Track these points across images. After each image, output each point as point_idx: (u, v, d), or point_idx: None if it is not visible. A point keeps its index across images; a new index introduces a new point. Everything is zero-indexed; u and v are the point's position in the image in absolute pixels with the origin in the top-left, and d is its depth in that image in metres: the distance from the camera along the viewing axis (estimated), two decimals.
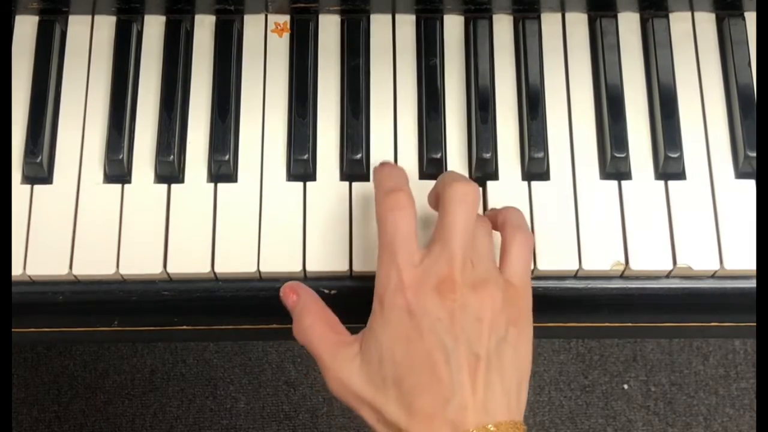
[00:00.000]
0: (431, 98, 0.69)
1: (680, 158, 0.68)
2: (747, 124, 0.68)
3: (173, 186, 0.67)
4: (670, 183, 0.68)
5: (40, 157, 0.67)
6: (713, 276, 0.67)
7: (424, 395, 0.56)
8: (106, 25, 0.72)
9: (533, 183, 0.68)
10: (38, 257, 0.65)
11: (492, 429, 0.55)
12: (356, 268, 0.65)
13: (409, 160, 0.68)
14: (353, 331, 0.64)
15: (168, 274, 0.65)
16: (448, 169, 0.68)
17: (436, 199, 0.62)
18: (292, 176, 0.68)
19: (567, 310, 0.68)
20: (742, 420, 1.36)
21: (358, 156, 0.67)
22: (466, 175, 0.68)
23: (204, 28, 0.72)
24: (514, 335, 0.58)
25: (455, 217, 0.59)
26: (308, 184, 0.68)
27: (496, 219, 0.63)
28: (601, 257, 0.66)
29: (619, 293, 0.67)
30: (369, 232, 0.66)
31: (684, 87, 0.70)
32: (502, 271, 0.60)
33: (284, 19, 0.72)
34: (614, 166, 0.68)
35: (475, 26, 0.71)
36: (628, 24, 0.72)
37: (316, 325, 0.61)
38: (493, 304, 0.58)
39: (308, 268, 0.65)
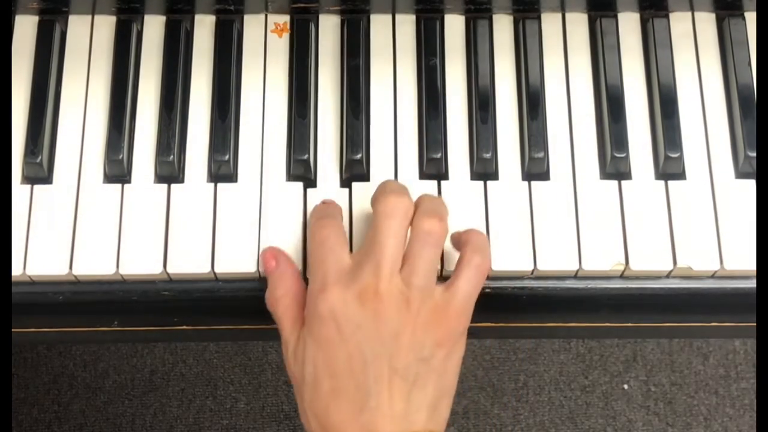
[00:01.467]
0: (431, 98, 0.69)
1: (680, 158, 0.68)
2: (747, 124, 0.68)
3: (173, 186, 0.67)
4: (670, 183, 0.68)
5: (40, 157, 0.67)
6: (713, 276, 0.67)
7: (339, 400, 0.57)
8: (106, 25, 0.72)
9: (533, 183, 0.68)
10: (38, 257, 0.65)
11: None
12: None
13: (409, 160, 0.68)
14: None
15: (168, 274, 0.65)
16: (449, 169, 0.68)
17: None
18: (292, 176, 0.68)
19: (567, 310, 0.68)
20: (742, 420, 1.36)
21: (358, 156, 0.67)
22: (467, 175, 0.68)
23: (204, 28, 0.72)
24: (441, 358, 0.58)
25: (384, 230, 0.59)
26: (308, 184, 0.68)
27: (459, 239, 0.63)
28: (601, 257, 0.66)
29: (619, 293, 0.67)
30: (368, 231, 0.66)
31: (684, 87, 0.70)
32: (447, 288, 0.60)
33: (284, 19, 0.72)
34: (614, 166, 0.68)
35: (475, 26, 0.71)
36: (628, 24, 0.72)
37: (285, 298, 0.62)
38: (415, 322, 0.58)
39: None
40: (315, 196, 0.67)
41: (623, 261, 0.66)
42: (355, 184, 0.67)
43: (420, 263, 0.59)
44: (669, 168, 0.68)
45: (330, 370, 0.57)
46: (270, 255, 0.64)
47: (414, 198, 0.63)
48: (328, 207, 0.65)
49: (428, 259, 0.60)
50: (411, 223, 0.61)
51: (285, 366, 0.61)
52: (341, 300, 0.58)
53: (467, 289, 0.60)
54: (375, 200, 0.61)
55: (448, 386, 0.59)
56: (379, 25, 0.72)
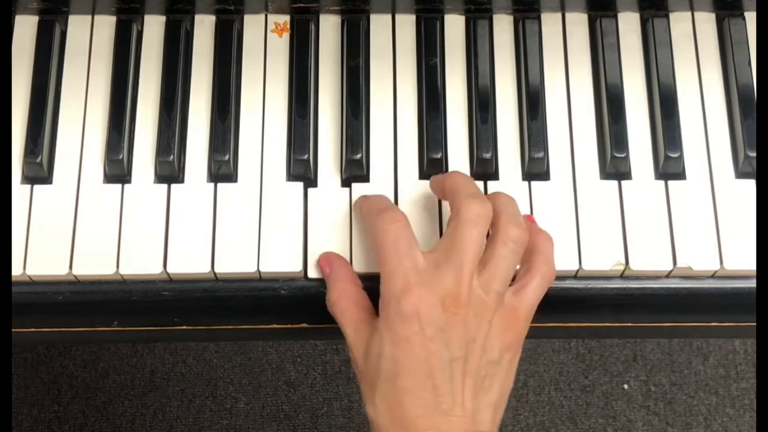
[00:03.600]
0: (431, 98, 0.69)
1: (680, 158, 0.68)
2: (747, 124, 0.68)
3: (173, 186, 0.67)
4: (670, 183, 0.68)
5: (40, 157, 0.67)
6: (713, 276, 0.67)
7: (413, 397, 0.58)
8: (106, 25, 0.72)
9: (533, 183, 0.68)
10: (38, 257, 0.65)
11: None
12: (356, 268, 0.65)
13: (409, 160, 0.68)
14: None
15: (168, 274, 0.65)
16: (449, 169, 0.68)
17: (441, 190, 0.64)
18: (292, 176, 0.68)
19: (567, 310, 0.68)
20: (742, 420, 1.36)
21: (358, 156, 0.67)
22: (468, 174, 0.68)
23: (204, 28, 0.72)
24: (507, 360, 0.61)
25: (468, 237, 0.60)
26: (308, 184, 0.68)
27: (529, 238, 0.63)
28: (601, 257, 0.66)
29: (619, 293, 0.67)
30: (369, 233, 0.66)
31: (684, 87, 0.70)
32: (516, 293, 0.61)
33: (284, 19, 0.72)
34: (614, 166, 0.68)
35: (475, 26, 0.71)
36: (628, 24, 0.72)
37: (342, 300, 0.63)
38: (490, 329, 0.60)
39: (309, 268, 0.65)
40: (315, 196, 0.67)
41: (623, 261, 0.66)
42: (355, 185, 0.67)
43: (502, 270, 0.60)
44: (669, 168, 0.68)
45: (408, 368, 0.58)
46: (324, 261, 0.65)
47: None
48: (378, 197, 0.66)
49: (510, 266, 0.61)
50: (495, 226, 0.61)
51: (353, 361, 0.62)
52: (425, 303, 0.58)
53: (535, 296, 0.62)
54: (458, 202, 0.61)
55: (509, 387, 0.62)
56: (379, 25, 0.72)
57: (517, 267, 0.63)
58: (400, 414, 0.58)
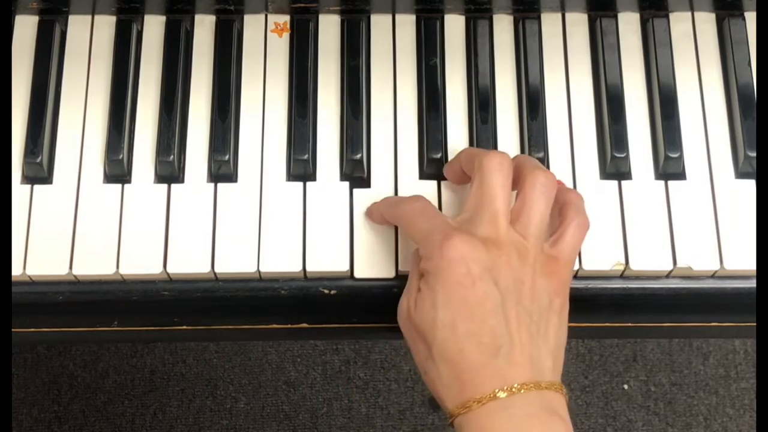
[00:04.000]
0: (431, 98, 0.69)
1: (680, 158, 0.68)
2: (747, 124, 0.68)
3: (173, 186, 0.67)
4: (670, 183, 0.68)
5: (40, 157, 0.67)
6: (713, 276, 0.67)
7: (474, 343, 0.57)
8: (106, 25, 0.72)
9: None
10: (38, 257, 0.65)
11: (542, 386, 0.57)
12: (356, 268, 0.65)
13: (409, 160, 0.68)
14: (355, 331, 0.64)
15: (168, 274, 0.65)
16: None
17: (457, 171, 0.65)
18: (292, 176, 0.68)
19: None
20: (742, 420, 1.36)
21: (358, 156, 0.67)
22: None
23: (204, 28, 0.72)
24: (558, 306, 0.60)
25: (495, 182, 0.60)
26: (308, 184, 0.68)
27: (557, 195, 0.63)
28: (601, 257, 0.66)
29: (619, 293, 0.67)
30: (369, 233, 0.66)
31: (684, 87, 0.70)
32: (554, 244, 0.61)
33: (284, 19, 0.72)
34: (614, 166, 0.68)
35: (476, 26, 0.71)
36: (628, 24, 0.72)
37: (423, 203, 0.63)
38: (533, 270, 0.59)
39: (308, 268, 0.65)
40: (315, 196, 0.67)
41: (623, 261, 0.66)
42: (355, 191, 0.67)
43: (535, 214, 0.61)
44: (669, 168, 0.68)
45: (465, 312, 0.58)
46: (376, 213, 0.66)
47: None
48: (394, 197, 0.67)
49: (543, 210, 0.61)
50: (521, 177, 0.62)
51: (400, 315, 0.62)
52: (468, 244, 0.58)
53: (572, 244, 0.62)
54: (478, 158, 0.62)
55: (563, 338, 0.61)
56: (379, 25, 0.72)
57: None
58: (461, 364, 0.57)
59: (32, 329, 0.69)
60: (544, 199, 0.61)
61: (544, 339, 0.59)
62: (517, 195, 0.62)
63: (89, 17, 0.72)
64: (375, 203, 0.67)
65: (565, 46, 0.72)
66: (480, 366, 0.57)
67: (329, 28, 0.72)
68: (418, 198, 0.63)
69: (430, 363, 0.59)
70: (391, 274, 0.65)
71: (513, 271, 0.59)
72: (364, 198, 0.67)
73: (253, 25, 0.72)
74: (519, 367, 0.57)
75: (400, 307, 0.62)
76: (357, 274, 0.65)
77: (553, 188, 0.62)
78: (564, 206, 0.63)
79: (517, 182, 0.62)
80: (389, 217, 0.65)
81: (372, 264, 0.65)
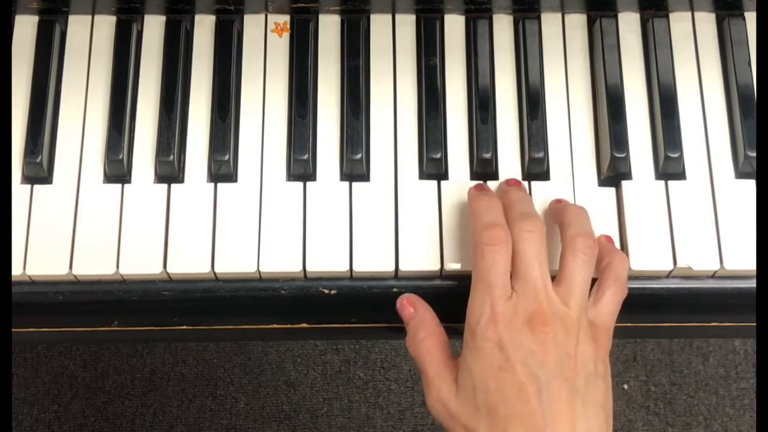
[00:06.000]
0: (431, 98, 0.69)
1: (680, 158, 0.68)
2: (747, 124, 0.68)
3: (173, 186, 0.67)
4: (670, 183, 0.68)
5: (40, 157, 0.67)
6: (713, 276, 0.67)
7: (516, 425, 0.57)
8: (106, 25, 0.72)
9: (533, 183, 0.68)
10: (38, 257, 0.65)
11: None
12: (356, 268, 0.65)
13: (409, 160, 0.68)
14: (355, 331, 0.64)
15: (168, 274, 0.65)
16: (449, 169, 0.68)
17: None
18: (292, 176, 0.68)
19: None
20: (742, 420, 1.36)
21: (358, 156, 0.67)
22: (467, 175, 0.68)
23: (204, 28, 0.72)
24: (603, 372, 0.60)
25: (527, 252, 0.60)
26: (308, 184, 0.68)
27: (601, 256, 0.63)
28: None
29: None
30: (369, 232, 0.66)
31: (684, 87, 0.70)
32: (593, 306, 0.62)
33: (284, 19, 0.72)
34: (614, 166, 0.68)
35: (475, 26, 0.71)
36: (628, 24, 0.72)
37: (428, 340, 0.63)
38: (578, 340, 0.59)
39: (308, 268, 0.65)
40: (315, 196, 0.67)
41: None
42: (354, 184, 0.67)
43: (577, 283, 0.61)
44: (669, 168, 0.68)
45: (504, 396, 0.58)
46: (408, 302, 0.65)
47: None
48: (491, 205, 0.64)
49: (584, 278, 0.61)
50: (562, 239, 0.62)
51: (432, 405, 0.61)
52: (510, 328, 0.58)
53: (610, 310, 0.62)
54: (513, 222, 0.62)
55: (611, 402, 0.61)
56: (379, 25, 0.72)
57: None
58: None
59: (32, 329, 0.69)
60: (584, 268, 0.61)
61: (594, 409, 0.59)
62: (560, 258, 0.62)
63: (89, 17, 0.72)
64: (476, 195, 0.65)
65: (565, 46, 0.72)
66: None
67: (329, 28, 0.72)
68: (500, 240, 0.60)
69: None
70: (391, 268, 0.65)
71: (559, 348, 0.58)
72: (363, 190, 0.67)
73: (253, 25, 0.72)
74: None
75: (430, 397, 0.61)
76: (356, 267, 0.65)
77: (593, 254, 0.62)
78: (605, 268, 0.63)
79: (561, 240, 0.63)
80: (474, 239, 0.63)
81: (371, 261, 0.65)
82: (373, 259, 0.65)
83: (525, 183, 0.68)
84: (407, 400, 1.35)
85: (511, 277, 0.60)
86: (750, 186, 0.67)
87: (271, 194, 0.67)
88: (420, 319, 0.64)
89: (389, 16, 0.72)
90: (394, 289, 0.66)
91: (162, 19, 0.72)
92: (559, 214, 0.64)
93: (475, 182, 0.68)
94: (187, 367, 1.37)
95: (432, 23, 0.71)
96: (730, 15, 0.72)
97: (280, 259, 0.66)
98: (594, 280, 0.63)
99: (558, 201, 0.66)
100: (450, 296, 0.65)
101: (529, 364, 0.58)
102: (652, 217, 0.67)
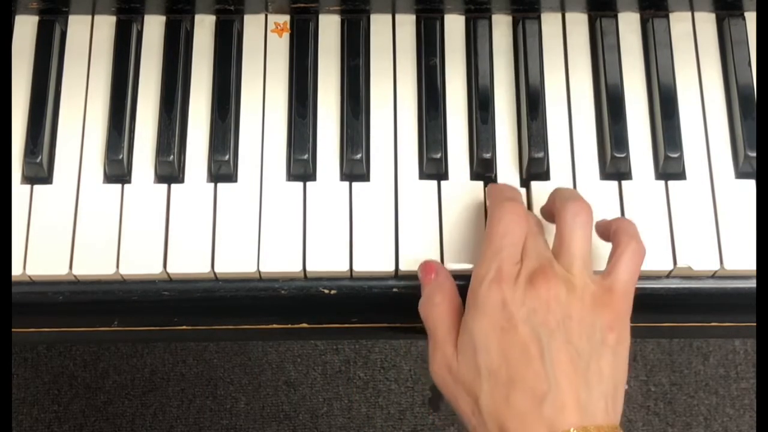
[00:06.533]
0: (431, 98, 0.69)
1: (680, 158, 0.68)
2: (747, 124, 0.68)
3: (173, 186, 0.67)
4: (670, 183, 0.68)
5: (40, 157, 0.67)
6: (713, 276, 0.67)
7: (518, 389, 0.55)
8: (106, 25, 0.72)
9: (533, 183, 0.68)
10: (38, 257, 0.65)
11: (590, 430, 0.54)
12: (356, 268, 0.65)
13: (409, 160, 0.68)
14: (355, 331, 0.64)
15: (168, 274, 0.65)
16: (449, 169, 0.68)
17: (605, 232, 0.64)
18: (292, 176, 0.68)
19: None
20: (742, 420, 1.36)
21: (358, 156, 0.67)
22: (467, 175, 0.68)
23: (204, 28, 0.72)
24: (613, 342, 0.58)
25: (536, 234, 0.61)
26: (308, 184, 0.68)
27: (608, 227, 0.63)
28: (601, 257, 0.66)
29: None
30: (369, 232, 0.66)
31: (684, 87, 0.70)
32: (607, 274, 0.60)
33: (284, 19, 0.72)
34: (614, 166, 0.68)
35: (475, 26, 0.71)
36: (628, 24, 0.72)
37: (444, 304, 0.61)
38: (582, 304, 0.58)
39: (308, 268, 0.65)
40: (315, 196, 0.67)
41: None
42: (354, 184, 0.67)
43: (576, 247, 0.60)
44: (669, 168, 0.68)
45: (506, 357, 0.56)
46: (431, 267, 0.64)
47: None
48: (512, 188, 0.65)
49: (583, 241, 0.60)
50: (556, 211, 0.62)
51: (436, 370, 0.60)
52: (513, 286, 0.57)
53: (628, 272, 0.60)
54: (493, 205, 0.62)
55: (622, 374, 0.59)
56: (379, 25, 0.72)
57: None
58: (507, 413, 0.55)
59: (32, 329, 0.69)
60: (581, 230, 0.60)
61: (598, 378, 0.56)
62: (556, 230, 0.61)
63: (89, 17, 0.72)
64: (493, 185, 0.66)
65: (565, 46, 0.72)
66: (526, 413, 0.55)
67: (329, 28, 0.72)
68: (516, 211, 0.60)
69: (477, 417, 0.57)
70: (391, 268, 0.65)
71: (561, 307, 0.57)
72: (363, 191, 0.67)
73: (253, 25, 0.72)
74: (567, 411, 0.54)
75: (435, 362, 0.60)
76: (356, 267, 0.65)
77: (588, 216, 0.61)
78: (616, 233, 0.62)
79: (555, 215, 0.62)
80: (489, 202, 0.63)
81: (370, 262, 0.65)
82: (373, 259, 0.65)
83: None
84: (407, 400, 1.35)
85: None
86: (750, 186, 0.67)
87: (271, 194, 0.67)
88: (439, 282, 0.63)
89: (389, 16, 0.72)
90: (394, 289, 0.66)
91: (162, 19, 0.72)
92: (551, 196, 0.64)
93: (475, 182, 0.68)
94: (187, 367, 1.37)
95: (432, 23, 0.71)
96: (730, 15, 0.72)
97: (280, 259, 0.66)
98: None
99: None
100: None
101: (532, 323, 0.56)
102: (652, 217, 0.67)
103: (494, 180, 0.68)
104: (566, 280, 0.58)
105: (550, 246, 0.61)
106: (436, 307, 0.61)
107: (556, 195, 0.63)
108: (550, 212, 0.64)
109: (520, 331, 0.56)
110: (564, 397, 0.55)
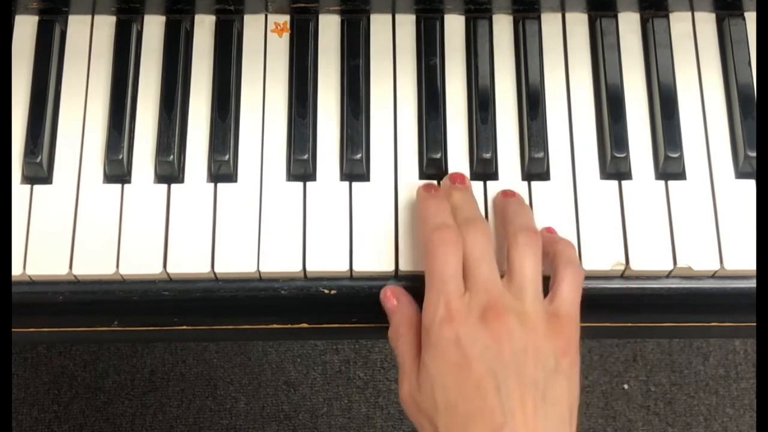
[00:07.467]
0: (431, 98, 0.69)
1: (680, 158, 0.68)
2: (747, 124, 0.68)
3: (173, 186, 0.67)
4: (670, 183, 0.68)
5: (40, 157, 0.67)
6: (713, 276, 0.67)
7: (476, 423, 0.57)
8: (106, 25, 0.72)
9: (533, 183, 0.68)
10: (38, 257, 0.65)
11: None
12: (356, 268, 0.65)
13: (409, 160, 0.68)
14: (355, 331, 0.64)
15: (168, 274, 0.65)
16: (449, 169, 0.68)
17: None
18: (292, 176, 0.68)
19: None
20: (742, 420, 1.36)
21: (358, 156, 0.67)
22: (468, 175, 0.68)
23: (204, 28, 0.72)
24: (567, 364, 0.59)
25: (475, 251, 0.60)
26: (308, 184, 0.68)
27: (546, 251, 0.63)
28: (601, 257, 0.66)
29: (619, 293, 0.67)
30: (369, 233, 0.66)
31: (684, 87, 0.70)
32: (551, 300, 0.61)
33: (284, 19, 0.72)
34: (614, 166, 0.68)
35: (476, 26, 0.71)
36: (628, 24, 0.72)
37: (409, 335, 0.62)
38: (537, 336, 0.59)
39: (308, 268, 0.65)
40: (315, 196, 0.67)
41: (623, 261, 0.66)
42: (354, 184, 0.67)
43: (526, 275, 0.60)
44: (669, 168, 0.68)
45: (462, 393, 0.57)
46: (391, 294, 0.65)
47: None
48: (440, 207, 0.64)
49: (532, 269, 0.61)
50: (507, 237, 0.62)
51: (404, 398, 0.61)
52: (465, 324, 0.58)
53: (570, 297, 0.61)
54: (459, 226, 0.62)
55: (576, 394, 0.60)
56: (379, 25, 0.72)
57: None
58: None
59: (32, 329, 0.69)
60: (530, 259, 0.61)
61: (554, 405, 0.58)
62: (507, 256, 0.62)
63: (89, 17, 0.72)
64: (424, 194, 0.65)
65: (565, 46, 0.72)
66: None
67: (329, 28, 0.72)
68: (448, 240, 0.61)
69: None
70: (391, 268, 0.65)
71: (514, 342, 0.58)
72: (363, 191, 0.67)
73: (253, 25, 0.72)
74: None
75: (402, 391, 0.61)
76: (356, 267, 0.65)
77: (537, 245, 0.61)
78: (554, 258, 0.63)
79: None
80: (424, 240, 0.63)
81: (370, 261, 0.65)
82: (373, 259, 0.65)
83: (525, 183, 0.68)
84: None
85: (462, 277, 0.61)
86: (750, 186, 0.67)
87: (271, 194, 0.67)
88: (403, 313, 0.64)
89: (389, 16, 0.72)
90: None
91: (162, 19, 0.72)
92: (501, 208, 0.65)
93: (475, 182, 0.68)
94: (187, 367, 1.37)
95: (432, 23, 0.71)
96: (730, 15, 0.72)
97: (280, 259, 0.66)
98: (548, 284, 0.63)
99: (504, 193, 0.66)
100: None
101: (486, 359, 0.57)
102: (653, 217, 0.67)
103: (495, 178, 0.68)
104: (518, 312, 0.59)
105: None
106: (401, 338, 0.63)
107: (509, 222, 0.63)
108: (499, 211, 0.65)
109: (475, 368, 0.57)
110: (520, 429, 0.56)
